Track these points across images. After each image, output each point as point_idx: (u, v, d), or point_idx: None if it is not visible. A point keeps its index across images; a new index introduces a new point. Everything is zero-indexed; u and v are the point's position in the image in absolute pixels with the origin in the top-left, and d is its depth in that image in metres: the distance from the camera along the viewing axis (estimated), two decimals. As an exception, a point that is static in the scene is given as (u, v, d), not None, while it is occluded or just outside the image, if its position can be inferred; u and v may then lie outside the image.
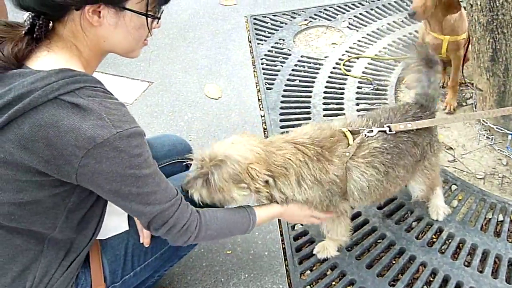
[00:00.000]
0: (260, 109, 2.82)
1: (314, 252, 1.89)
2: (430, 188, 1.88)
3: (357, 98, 2.84)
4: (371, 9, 3.80)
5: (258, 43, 3.46)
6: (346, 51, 3.30)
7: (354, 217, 2.07)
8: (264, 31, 3.62)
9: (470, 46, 2.44)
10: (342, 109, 2.77)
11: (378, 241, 1.96)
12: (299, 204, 1.51)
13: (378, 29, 3.53)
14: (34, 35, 1.05)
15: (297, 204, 1.51)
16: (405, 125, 1.60)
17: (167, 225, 1.19)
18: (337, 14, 3.78)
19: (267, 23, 3.73)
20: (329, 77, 3.05)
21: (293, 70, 3.14)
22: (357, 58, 3.22)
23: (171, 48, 3.50)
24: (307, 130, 1.56)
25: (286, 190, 1.46)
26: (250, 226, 1.43)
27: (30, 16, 1.05)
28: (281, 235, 2.01)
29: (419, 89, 1.76)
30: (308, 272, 1.86)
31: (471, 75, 2.70)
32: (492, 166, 2.31)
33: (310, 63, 3.21)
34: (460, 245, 1.92)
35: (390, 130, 1.58)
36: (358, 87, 2.94)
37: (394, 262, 1.87)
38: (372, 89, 2.90)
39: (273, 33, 3.58)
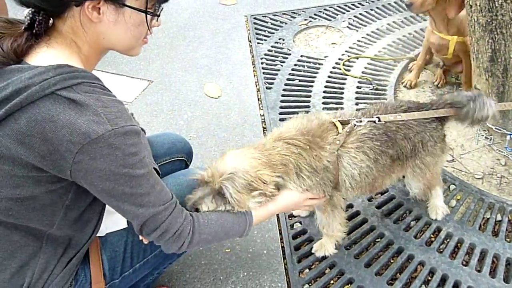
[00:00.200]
0: (260, 108, 2.82)
1: (312, 251, 1.90)
2: (427, 187, 1.88)
3: (356, 98, 2.85)
4: (371, 9, 3.81)
5: (258, 43, 3.47)
6: (346, 51, 3.31)
7: (353, 216, 2.08)
8: (264, 31, 3.62)
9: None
10: (341, 108, 2.77)
11: (377, 240, 1.97)
12: (292, 191, 1.51)
13: (377, 29, 3.54)
14: (34, 31, 1.05)
15: (290, 191, 1.50)
16: (395, 116, 1.63)
17: (159, 230, 1.17)
18: (337, 14, 3.79)
19: (267, 22, 3.74)
20: (329, 76, 3.06)
21: (292, 69, 3.15)
22: (357, 58, 3.23)
23: (171, 47, 3.51)
24: (294, 124, 1.59)
25: (290, 185, 1.49)
26: (247, 227, 1.39)
27: (30, 12, 1.06)
28: (280, 233, 2.02)
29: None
30: (307, 270, 1.86)
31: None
32: (491, 166, 2.31)
33: (309, 62, 3.22)
34: (458, 244, 1.93)
35: (379, 121, 1.61)
36: (357, 87, 2.95)
37: (392, 261, 1.88)
38: (371, 89, 2.91)
39: (273, 33, 3.59)
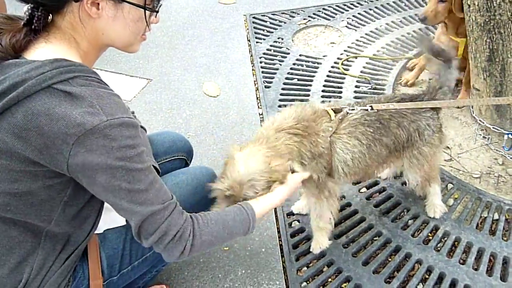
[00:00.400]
0: (259, 107, 2.83)
1: (311, 250, 1.91)
2: (425, 180, 1.89)
3: (355, 97, 2.85)
4: (370, 9, 3.81)
5: (257, 42, 3.47)
6: (345, 51, 3.32)
7: (351, 214, 2.08)
8: (263, 30, 3.63)
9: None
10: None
11: (375, 238, 1.97)
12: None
13: (376, 28, 3.55)
14: (33, 27, 1.06)
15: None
16: (387, 105, 1.66)
17: (158, 232, 1.12)
18: (335, 14, 3.80)
19: (266, 21, 3.74)
20: (327, 76, 3.07)
21: (291, 68, 3.16)
22: (355, 57, 3.24)
23: (170, 46, 3.51)
24: (289, 113, 1.61)
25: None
26: (250, 222, 1.32)
27: (29, 7, 1.06)
28: (278, 232, 2.02)
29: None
30: (305, 268, 1.87)
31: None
32: (488, 165, 2.32)
33: (308, 62, 3.22)
34: (456, 243, 1.94)
35: (372, 109, 1.64)
36: (356, 86, 2.95)
37: (390, 259, 1.89)
38: (370, 88, 2.91)
39: (272, 32, 3.60)
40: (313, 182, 1.61)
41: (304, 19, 3.75)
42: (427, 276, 1.81)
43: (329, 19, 3.73)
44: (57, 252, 1.20)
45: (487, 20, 2.15)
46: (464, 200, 2.12)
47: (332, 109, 1.64)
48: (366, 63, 3.17)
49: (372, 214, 2.07)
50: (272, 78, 3.07)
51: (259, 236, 2.00)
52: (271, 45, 3.42)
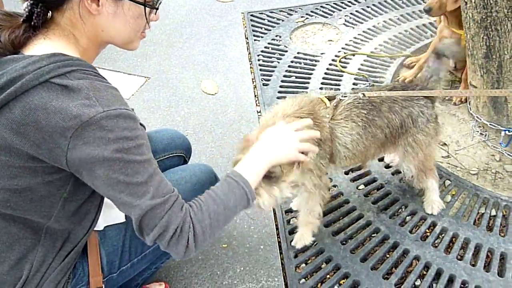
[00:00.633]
0: (257, 104, 2.83)
1: (292, 244, 1.92)
2: (421, 171, 1.90)
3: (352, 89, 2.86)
4: (367, 7, 3.82)
5: (255, 40, 3.48)
6: (342, 48, 3.32)
7: (349, 211, 2.09)
8: (261, 28, 3.63)
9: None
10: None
11: (373, 235, 1.98)
12: (277, 127, 1.44)
13: (374, 26, 3.56)
14: (32, 23, 1.06)
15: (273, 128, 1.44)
16: (379, 93, 1.70)
17: (159, 228, 1.09)
18: (333, 11, 3.80)
19: (263, 19, 3.74)
20: (325, 73, 3.07)
21: (289, 66, 3.16)
22: (353, 55, 3.24)
23: (168, 44, 3.51)
24: (289, 102, 1.64)
25: None
26: (244, 188, 1.23)
27: (28, 4, 1.06)
28: (277, 229, 2.03)
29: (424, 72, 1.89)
30: (303, 265, 1.88)
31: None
32: (486, 162, 2.33)
33: (306, 59, 3.23)
34: (453, 239, 1.95)
35: (364, 96, 1.69)
36: (354, 84, 2.96)
37: (388, 255, 1.90)
38: (367, 86, 2.92)
39: (270, 30, 3.60)
40: (313, 172, 1.63)
41: (302, 17, 3.75)
42: (425, 272, 1.82)
43: (327, 17, 3.74)
44: (57, 249, 1.20)
45: (483, 17, 2.15)
46: (462, 197, 2.13)
47: (326, 97, 1.69)
48: (364, 60, 3.18)
49: (370, 211, 2.08)
50: (270, 75, 3.07)
51: (257, 233, 2.01)
52: (269, 43, 3.42)
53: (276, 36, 3.51)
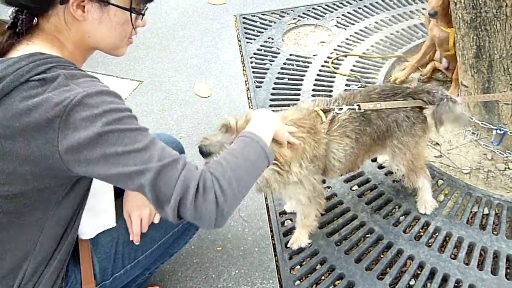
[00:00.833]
0: (250, 107, 2.84)
1: (288, 245, 1.93)
2: (411, 171, 1.92)
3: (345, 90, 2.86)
4: (359, 8, 3.84)
5: (247, 42, 3.48)
6: (334, 49, 3.33)
7: (343, 212, 2.10)
8: (253, 30, 3.64)
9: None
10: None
11: (367, 235, 1.99)
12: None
13: (365, 27, 3.57)
14: (17, 30, 1.05)
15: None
16: (374, 104, 1.70)
17: (178, 189, 0.96)
18: (325, 13, 3.81)
19: (256, 22, 3.75)
20: (318, 75, 3.08)
21: (282, 68, 3.17)
22: (345, 56, 3.25)
23: (161, 47, 3.50)
24: (290, 111, 1.64)
25: (295, 168, 1.54)
26: (261, 143, 1.15)
27: (14, 10, 1.06)
28: (271, 231, 2.03)
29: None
30: (298, 267, 1.88)
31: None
32: (478, 160, 2.35)
33: (298, 61, 3.24)
34: (447, 238, 1.96)
35: (359, 109, 1.69)
36: (346, 85, 2.97)
37: (382, 256, 1.90)
38: (360, 87, 2.93)
39: (262, 32, 3.60)
40: (305, 188, 1.64)
41: (294, 18, 3.76)
42: (419, 272, 1.83)
43: (318, 19, 3.75)
44: (49, 257, 1.18)
45: (473, 17, 2.17)
46: (455, 196, 2.14)
47: (321, 109, 1.68)
48: (356, 61, 3.19)
49: (364, 212, 2.08)
50: (263, 78, 3.08)
51: (252, 236, 2.01)
52: (261, 45, 3.43)
53: (269, 38, 3.52)
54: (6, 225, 1.10)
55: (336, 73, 3.08)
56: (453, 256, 1.88)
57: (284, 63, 3.21)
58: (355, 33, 3.51)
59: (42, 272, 1.17)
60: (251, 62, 3.24)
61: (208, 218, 0.98)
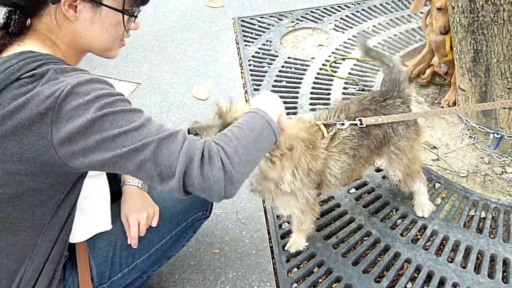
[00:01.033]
0: (248, 110, 2.84)
1: (285, 248, 1.93)
2: (407, 175, 1.92)
3: (343, 99, 2.88)
4: (357, 11, 3.85)
5: (246, 45, 3.49)
6: (333, 53, 3.34)
7: (340, 215, 2.10)
8: (251, 33, 3.64)
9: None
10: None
11: (364, 238, 1.99)
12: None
13: (363, 31, 3.58)
14: (9, 30, 1.05)
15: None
16: (376, 119, 1.69)
17: (182, 158, 0.93)
18: (323, 16, 3.82)
19: (254, 25, 3.76)
20: (316, 78, 3.09)
21: (280, 71, 3.17)
22: (343, 59, 3.26)
23: (159, 50, 3.51)
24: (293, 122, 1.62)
25: (287, 175, 1.51)
26: (266, 117, 1.11)
27: (6, 11, 1.06)
28: (269, 233, 2.03)
29: (385, 77, 1.92)
30: (295, 269, 1.88)
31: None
32: (475, 164, 2.36)
33: (297, 64, 3.24)
34: (444, 241, 1.96)
35: (361, 123, 1.67)
36: (344, 88, 2.98)
37: (379, 259, 1.91)
38: (358, 90, 2.94)
39: (260, 35, 3.61)
40: (299, 202, 1.63)
41: (292, 22, 3.77)
42: (416, 275, 1.83)
43: (317, 22, 3.76)
44: (46, 259, 1.18)
45: (470, 21, 2.18)
46: (452, 199, 2.14)
47: (323, 123, 1.65)
48: (354, 65, 3.20)
49: (361, 215, 2.09)
50: (261, 80, 3.08)
51: (249, 238, 2.01)
52: (259, 48, 3.43)
53: (267, 41, 3.53)
54: (1, 231, 1.09)
55: (334, 76, 3.09)
56: (450, 259, 1.88)
57: (282, 66, 3.22)
58: (353, 36, 3.52)
59: (39, 274, 1.17)
60: (249, 65, 3.25)
61: (217, 186, 0.95)
